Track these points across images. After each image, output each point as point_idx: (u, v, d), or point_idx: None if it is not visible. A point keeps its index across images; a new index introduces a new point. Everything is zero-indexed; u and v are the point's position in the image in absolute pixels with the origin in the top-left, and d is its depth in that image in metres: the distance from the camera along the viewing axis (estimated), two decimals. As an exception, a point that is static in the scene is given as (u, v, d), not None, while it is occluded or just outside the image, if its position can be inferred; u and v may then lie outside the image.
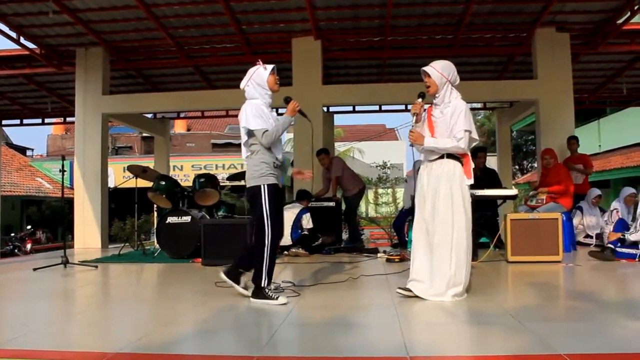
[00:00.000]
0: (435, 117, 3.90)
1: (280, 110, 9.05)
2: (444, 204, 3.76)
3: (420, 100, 3.93)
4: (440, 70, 3.85)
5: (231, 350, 2.74)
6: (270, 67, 3.90)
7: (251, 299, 3.79)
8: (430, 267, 3.78)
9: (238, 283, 3.94)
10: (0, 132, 13.87)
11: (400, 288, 3.88)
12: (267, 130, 3.75)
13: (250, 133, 3.83)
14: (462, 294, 3.75)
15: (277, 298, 3.72)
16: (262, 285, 3.74)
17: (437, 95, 3.89)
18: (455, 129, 3.76)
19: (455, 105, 3.82)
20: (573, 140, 8.36)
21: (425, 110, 3.97)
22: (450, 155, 3.81)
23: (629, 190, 7.56)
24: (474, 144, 4.21)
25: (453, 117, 3.78)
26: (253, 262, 3.81)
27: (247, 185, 3.89)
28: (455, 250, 3.73)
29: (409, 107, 11.60)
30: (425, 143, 3.80)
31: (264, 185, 3.79)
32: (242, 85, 3.98)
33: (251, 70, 3.96)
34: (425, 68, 3.90)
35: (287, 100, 3.93)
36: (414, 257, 3.88)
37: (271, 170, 3.82)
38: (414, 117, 3.91)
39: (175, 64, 10.23)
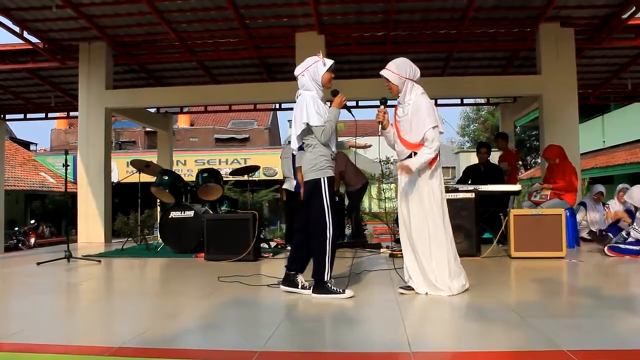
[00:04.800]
0: (399, 116, 3.88)
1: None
2: (415, 202, 3.78)
3: (382, 107, 3.92)
4: (395, 70, 3.80)
5: (234, 344, 2.74)
6: (329, 63, 3.86)
7: (313, 294, 3.77)
8: (415, 263, 3.82)
9: (297, 286, 3.92)
10: (4, 126, 13.90)
11: (401, 287, 3.90)
12: (324, 128, 3.75)
13: (308, 129, 3.80)
14: (455, 287, 3.73)
15: (343, 291, 3.71)
16: (326, 279, 3.74)
17: (399, 94, 3.86)
18: (421, 129, 3.70)
19: (417, 103, 3.76)
20: (499, 139, 8.57)
21: (389, 112, 3.97)
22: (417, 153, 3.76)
23: (597, 189, 7.82)
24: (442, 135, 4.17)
25: (415, 115, 3.74)
26: (314, 256, 3.80)
27: (306, 179, 3.85)
28: (435, 245, 3.75)
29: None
30: (414, 168, 3.70)
31: (323, 178, 3.78)
32: (296, 72, 3.93)
33: (309, 60, 3.90)
34: (381, 72, 3.86)
35: (335, 94, 3.91)
36: (404, 255, 3.93)
37: (330, 163, 3.82)
38: (380, 125, 3.90)
39: (178, 59, 10.22)
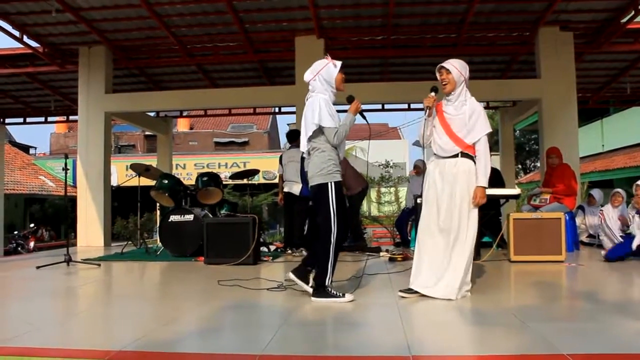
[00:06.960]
0: (449, 114, 3.89)
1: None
2: (462, 204, 3.77)
3: (433, 94, 3.94)
4: (459, 68, 3.86)
5: (234, 348, 2.74)
6: (339, 64, 3.85)
7: (313, 298, 3.77)
8: (440, 267, 3.78)
9: (308, 282, 3.91)
10: (4, 130, 13.90)
11: (401, 290, 3.89)
12: (337, 130, 3.75)
13: (319, 130, 3.78)
14: (460, 293, 3.77)
15: (343, 295, 3.71)
16: (327, 283, 3.74)
17: (452, 92, 3.88)
18: (478, 132, 3.79)
19: (473, 106, 3.85)
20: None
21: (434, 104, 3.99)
22: (465, 154, 3.81)
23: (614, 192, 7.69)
24: None
25: (472, 118, 3.80)
26: (317, 260, 3.81)
27: (312, 183, 3.83)
28: (459, 251, 3.76)
29: (412, 105, 11.61)
30: (484, 182, 3.79)
31: (331, 182, 3.75)
32: (307, 78, 3.88)
33: (319, 64, 3.87)
34: (445, 64, 3.89)
35: (351, 100, 3.92)
36: (421, 258, 3.87)
37: (337, 168, 3.80)
38: (427, 111, 3.92)
39: (178, 63, 10.24)
